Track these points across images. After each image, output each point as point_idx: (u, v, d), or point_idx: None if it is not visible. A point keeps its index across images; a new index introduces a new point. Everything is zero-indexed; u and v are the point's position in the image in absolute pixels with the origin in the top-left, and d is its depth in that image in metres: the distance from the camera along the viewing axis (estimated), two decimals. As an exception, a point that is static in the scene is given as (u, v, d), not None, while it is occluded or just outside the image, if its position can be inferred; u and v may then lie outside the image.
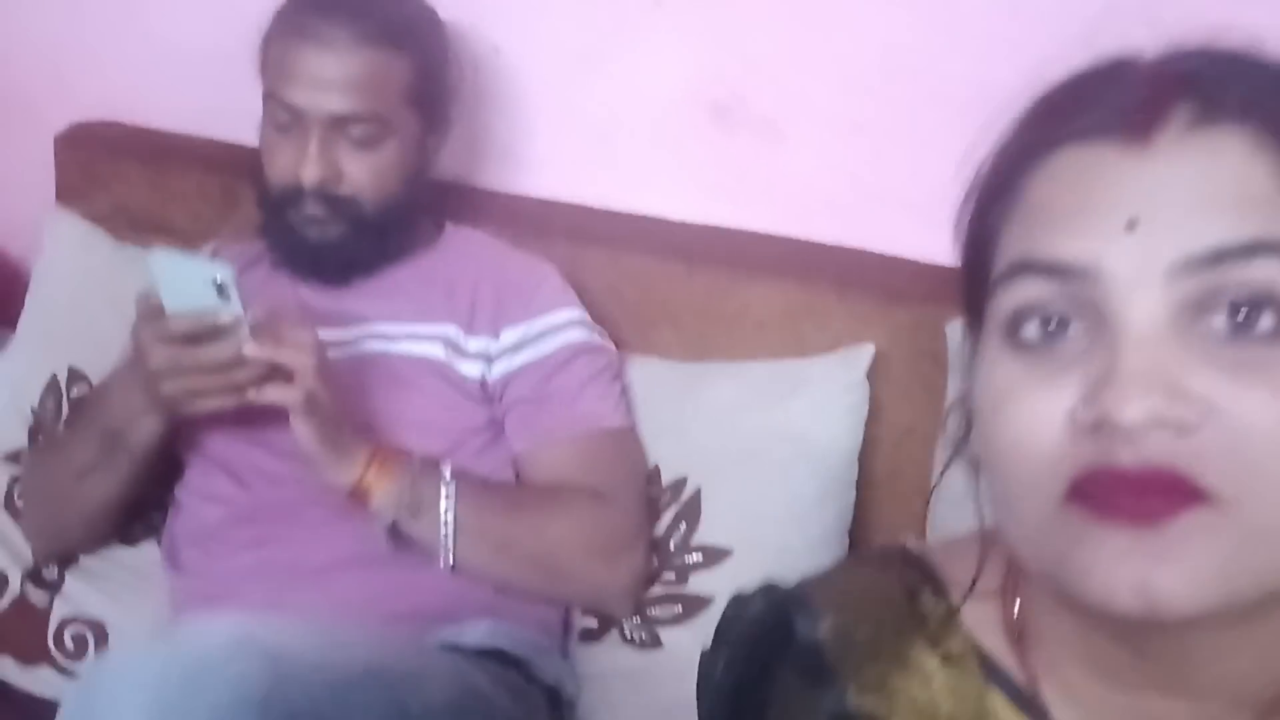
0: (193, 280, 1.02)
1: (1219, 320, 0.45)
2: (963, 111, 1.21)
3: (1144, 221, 0.45)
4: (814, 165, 1.34)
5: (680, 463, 1.25)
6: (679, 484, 1.25)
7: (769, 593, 0.64)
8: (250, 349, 1.03)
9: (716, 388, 1.27)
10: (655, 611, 1.21)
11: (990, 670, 0.57)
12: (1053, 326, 0.48)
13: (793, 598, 0.62)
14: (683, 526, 1.23)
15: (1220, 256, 0.44)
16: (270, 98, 1.20)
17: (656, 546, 1.23)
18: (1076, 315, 0.47)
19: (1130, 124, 0.47)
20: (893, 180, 1.29)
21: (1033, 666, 0.56)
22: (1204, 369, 0.44)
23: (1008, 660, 0.57)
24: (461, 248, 1.32)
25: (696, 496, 1.23)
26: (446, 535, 1.10)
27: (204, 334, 1.04)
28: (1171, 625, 0.46)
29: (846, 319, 1.27)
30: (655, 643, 1.19)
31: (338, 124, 1.18)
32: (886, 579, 0.61)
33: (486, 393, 1.23)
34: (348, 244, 1.23)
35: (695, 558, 1.21)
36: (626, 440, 1.24)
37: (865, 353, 1.23)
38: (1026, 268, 0.48)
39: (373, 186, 1.21)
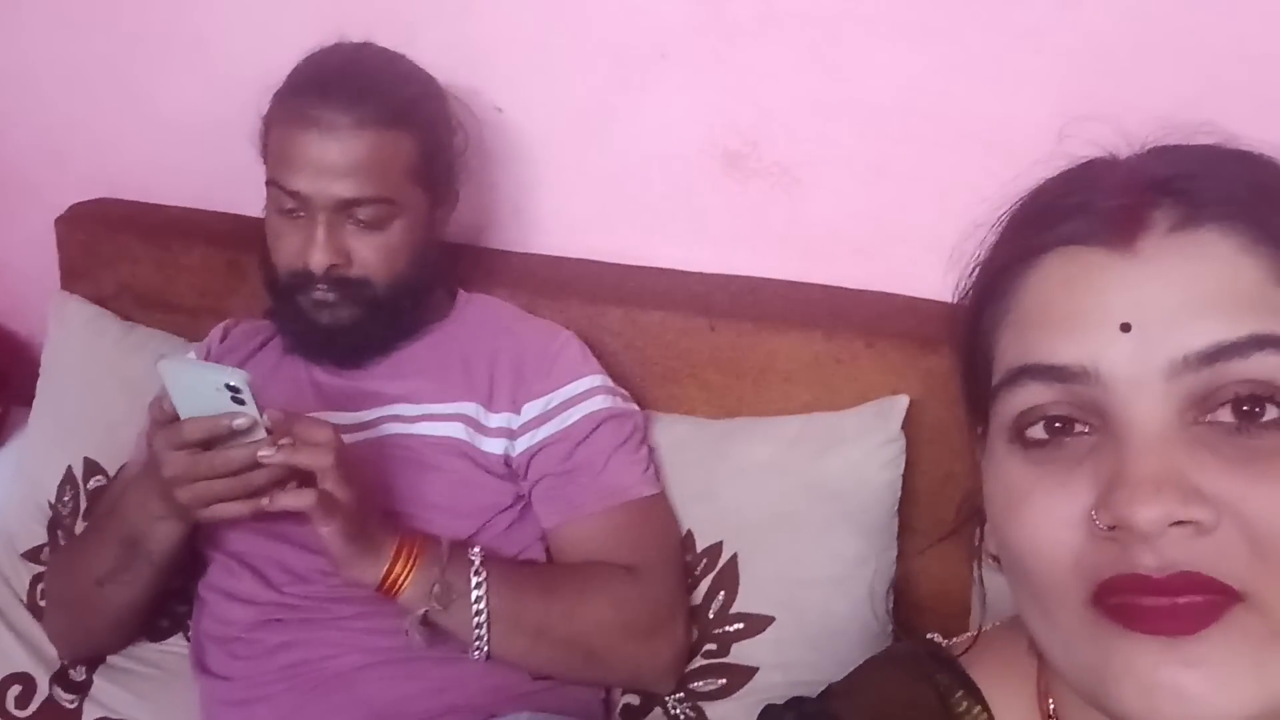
0: (206, 386, 0.99)
1: (1224, 416, 0.45)
2: (985, 149, 1.20)
3: (1138, 325, 0.46)
4: (834, 210, 1.30)
5: (714, 527, 1.22)
6: (714, 550, 1.21)
7: (800, 706, 0.61)
8: (266, 453, 1.00)
9: (747, 446, 1.23)
10: (698, 685, 1.17)
11: None
12: (1059, 425, 0.48)
13: (824, 713, 0.60)
14: (721, 595, 1.19)
15: (1218, 353, 0.44)
16: (273, 184, 1.17)
17: (695, 616, 1.19)
18: (1081, 416, 0.47)
19: (1113, 229, 0.48)
20: (917, 221, 1.25)
21: None
22: (1213, 466, 0.44)
23: None
24: (476, 318, 1.28)
25: (733, 562, 1.20)
26: (479, 625, 1.07)
27: (219, 438, 1.01)
28: None
29: (876, 366, 1.23)
30: (700, 717, 1.16)
31: (344, 208, 1.14)
32: (917, 684, 0.60)
33: (511, 469, 1.20)
34: (360, 325, 1.19)
35: (736, 626, 1.18)
36: (657, 509, 1.20)
37: (900, 404, 1.20)
38: (1026, 372, 0.48)
39: (383, 267, 1.18)
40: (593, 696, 1.18)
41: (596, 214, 1.41)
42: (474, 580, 1.07)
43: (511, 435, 1.20)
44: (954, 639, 0.65)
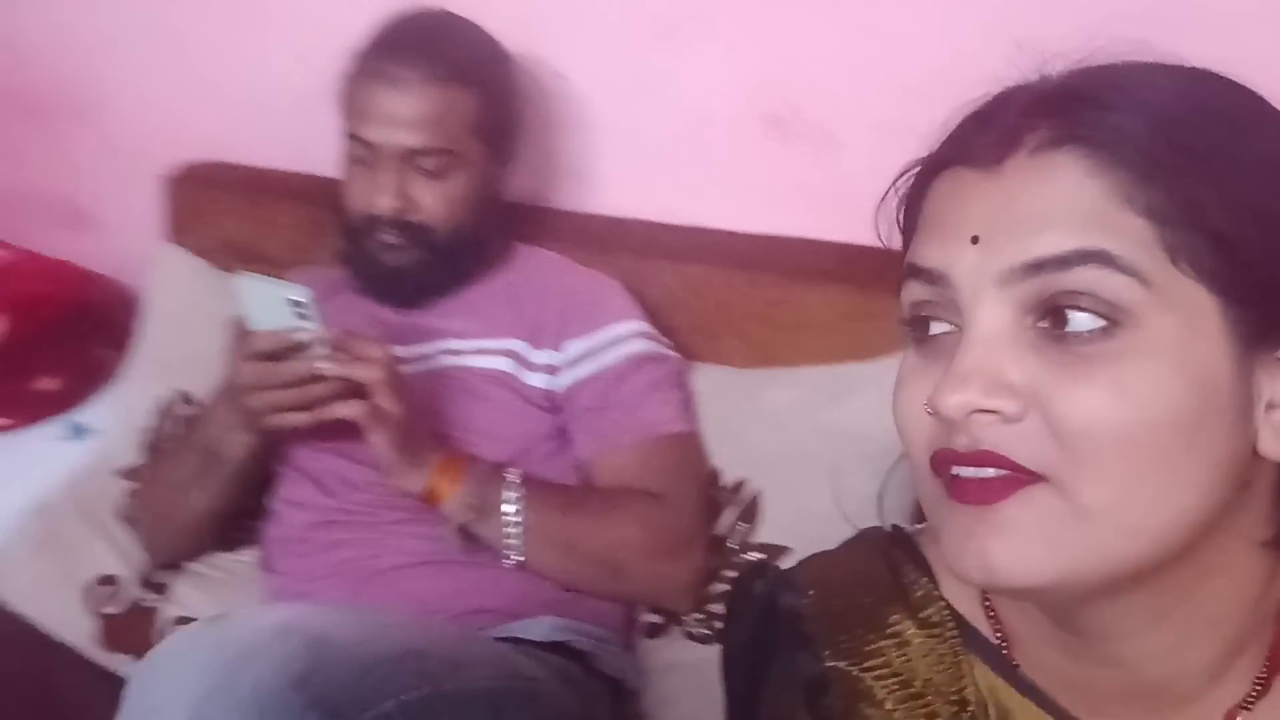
0: (275, 302, 1.11)
1: (1044, 322, 0.50)
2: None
3: (985, 237, 0.51)
4: (871, 172, 1.35)
5: (740, 465, 1.29)
6: (739, 485, 1.29)
7: (765, 571, 0.69)
8: (325, 366, 1.12)
9: (775, 392, 1.31)
10: (716, 607, 1.25)
11: (968, 636, 0.61)
12: (932, 320, 0.54)
13: (783, 575, 0.67)
14: (743, 526, 1.27)
15: (1043, 265, 0.49)
16: (349, 135, 1.29)
17: (718, 546, 1.27)
18: (946, 315, 0.53)
19: (989, 150, 0.52)
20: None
21: (1005, 633, 0.60)
22: (1032, 365, 0.49)
23: (984, 628, 0.61)
24: (530, 266, 1.39)
25: (756, 497, 1.27)
26: (512, 535, 1.17)
27: (286, 351, 1.13)
28: (1032, 595, 0.52)
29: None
30: (716, 637, 1.23)
31: (409, 157, 1.25)
32: (872, 558, 0.66)
33: (552, 403, 1.29)
34: (421, 268, 1.30)
35: (755, 555, 1.25)
36: (687, 444, 1.28)
37: (919, 353, 1.25)
38: (910, 271, 0.55)
39: (443, 214, 1.28)
40: (616, 611, 1.26)
41: (647, 176, 1.50)
42: (509, 495, 1.17)
43: (554, 371, 1.29)
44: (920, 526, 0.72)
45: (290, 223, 1.66)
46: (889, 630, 0.62)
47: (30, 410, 1.71)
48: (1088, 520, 0.49)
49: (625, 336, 1.30)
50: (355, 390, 1.13)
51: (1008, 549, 0.49)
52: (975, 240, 0.51)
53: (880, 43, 1.31)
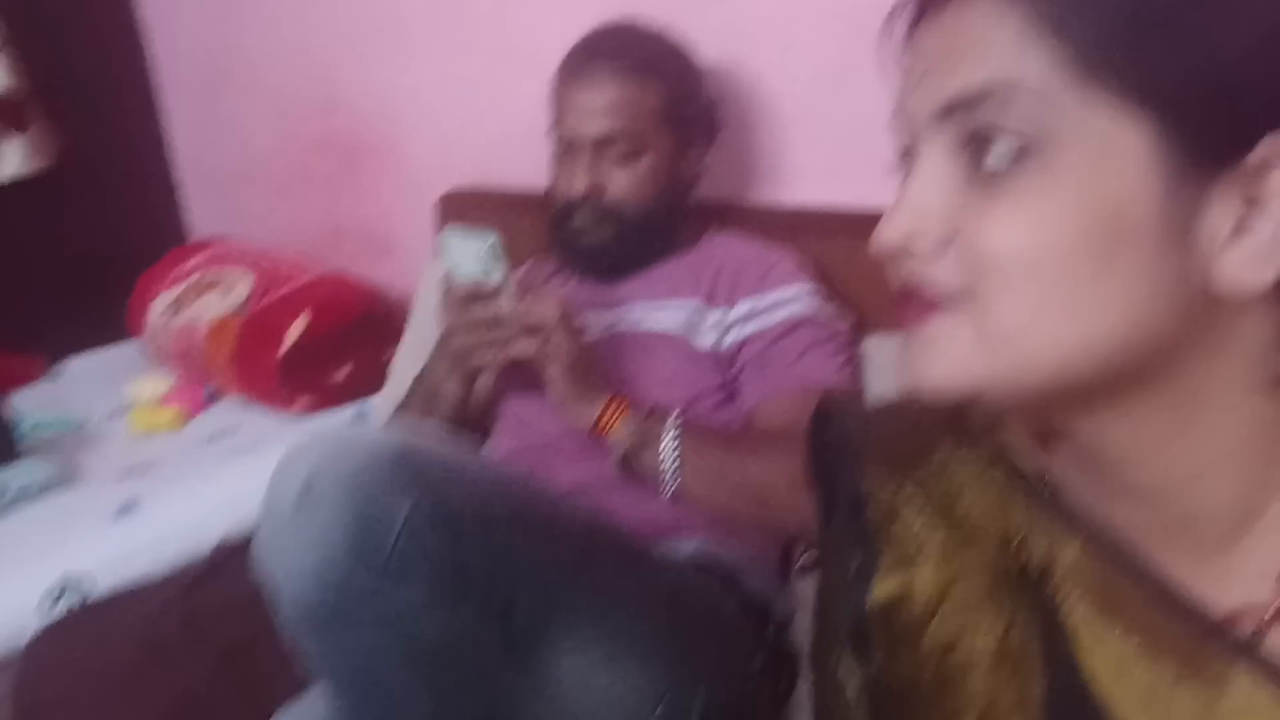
0: (473, 251, 1.30)
1: (968, 156, 0.52)
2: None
3: (925, 77, 0.54)
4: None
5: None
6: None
7: (839, 404, 0.74)
8: (509, 307, 1.30)
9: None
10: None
11: (1018, 475, 0.63)
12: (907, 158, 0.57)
13: (844, 403, 0.73)
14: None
15: (958, 100, 0.52)
16: (553, 131, 1.49)
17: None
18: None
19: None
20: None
21: (1055, 471, 0.62)
22: (956, 199, 0.52)
23: (1035, 461, 0.63)
24: (714, 244, 1.52)
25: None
26: (668, 467, 1.28)
27: (479, 296, 1.32)
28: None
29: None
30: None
31: (601, 145, 1.43)
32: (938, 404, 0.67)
33: (721, 360, 1.41)
34: (614, 245, 1.47)
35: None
36: (843, 396, 1.35)
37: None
38: (892, 110, 0.58)
39: (632, 195, 1.45)
40: (770, 546, 1.33)
41: (836, 166, 1.59)
42: (669, 430, 1.29)
43: (724, 329, 1.41)
44: None
45: (534, 233, 1.89)
46: (937, 456, 0.64)
47: (326, 396, 2.02)
48: (999, 340, 0.52)
49: (794, 298, 1.40)
50: (536, 331, 1.30)
51: (930, 362, 0.54)
52: (917, 81, 0.54)
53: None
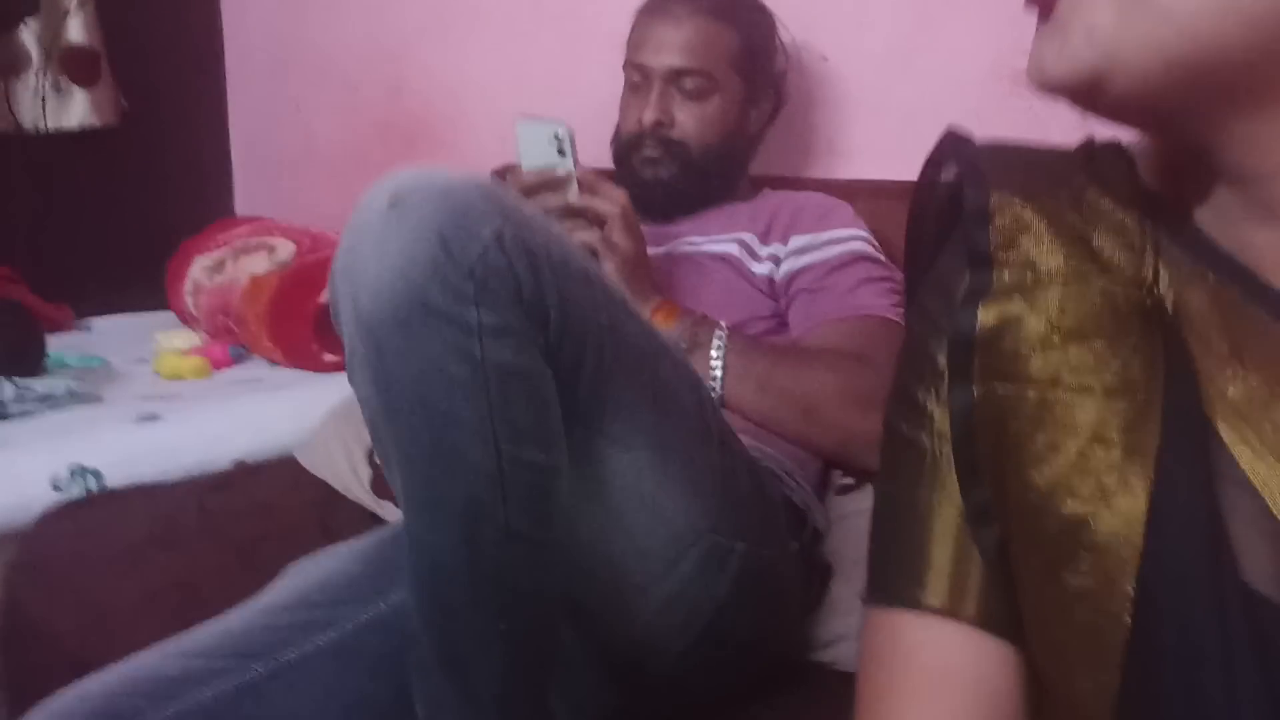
0: (542, 140, 1.32)
1: None
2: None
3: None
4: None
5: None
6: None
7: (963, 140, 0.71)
8: (573, 199, 1.31)
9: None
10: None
11: (1153, 203, 0.59)
12: None
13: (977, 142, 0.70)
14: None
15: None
16: (628, 64, 1.53)
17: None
18: None
19: None
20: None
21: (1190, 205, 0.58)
22: None
23: (1169, 195, 0.59)
24: (770, 196, 1.55)
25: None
26: (715, 370, 1.27)
27: (544, 185, 1.33)
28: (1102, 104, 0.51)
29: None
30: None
31: (674, 77, 1.47)
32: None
33: (773, 290, 1.42)
34: (675, 183, 1.50)
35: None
36: (893, 330, 1.34)
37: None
38: None
39: (698, 133, 1.48)
40: (811, 463, 1.31)
41: (895, 144, 1.63)
42: (718, 335, 1.29)
43: (778, 262, 1.42)
44: None
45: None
46: (1066, 191, 0.60)
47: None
48: (1137, 10, 0.49)
49: (848, 238, 1.42)
50: (598, 222, 1.31)
51: (1054, 45, 0.51)
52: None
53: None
